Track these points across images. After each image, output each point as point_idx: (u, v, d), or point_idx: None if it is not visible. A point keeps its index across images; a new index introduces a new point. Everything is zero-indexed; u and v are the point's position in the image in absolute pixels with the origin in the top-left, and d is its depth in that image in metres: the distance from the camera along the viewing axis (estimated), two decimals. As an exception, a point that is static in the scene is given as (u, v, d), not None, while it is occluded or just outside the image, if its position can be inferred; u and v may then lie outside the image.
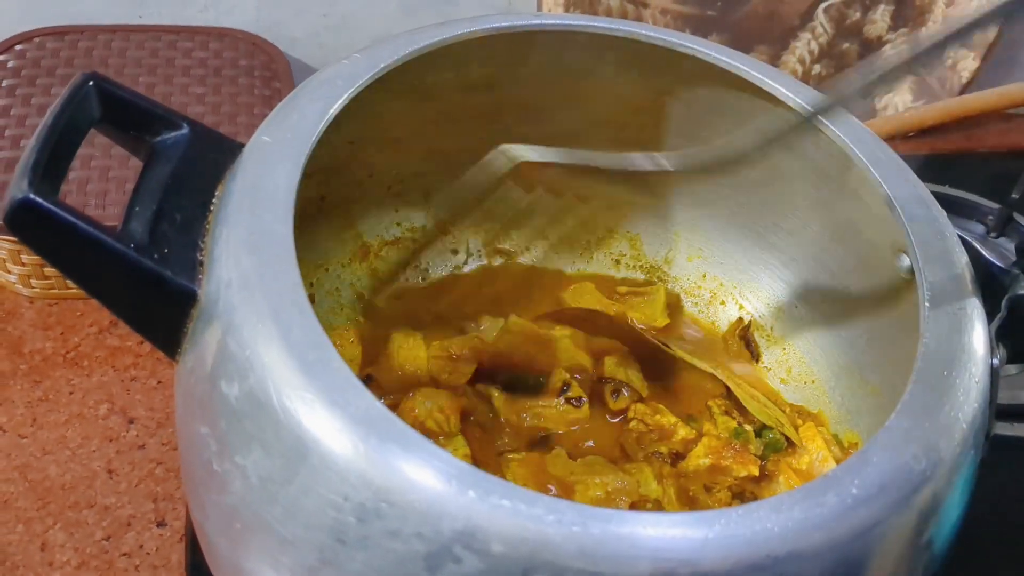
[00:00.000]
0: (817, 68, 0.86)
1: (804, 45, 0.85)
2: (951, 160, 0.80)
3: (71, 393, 0.66)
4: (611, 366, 0.58)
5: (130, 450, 0.64)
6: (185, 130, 0.46)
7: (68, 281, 0.68)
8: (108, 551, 0.59)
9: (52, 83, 0.74)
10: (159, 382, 0.67)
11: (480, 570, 0.34)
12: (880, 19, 0.85)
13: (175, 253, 0.42)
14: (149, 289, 0.41)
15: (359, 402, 0.36)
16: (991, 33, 0.84)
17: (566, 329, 0.58)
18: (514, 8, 0.88)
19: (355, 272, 0.62)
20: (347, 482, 0.36)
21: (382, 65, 0.47)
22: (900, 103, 0.87)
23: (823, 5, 0.84)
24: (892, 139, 0.77)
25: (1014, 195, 0.70)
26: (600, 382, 0.57)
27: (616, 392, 0.57)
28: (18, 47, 0.76)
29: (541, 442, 0.54)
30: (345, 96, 0.46)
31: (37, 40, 0.77)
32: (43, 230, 0.40)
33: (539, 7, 0.85)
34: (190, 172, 0.45)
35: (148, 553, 0.59)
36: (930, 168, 0.74)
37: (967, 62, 0.86)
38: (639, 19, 0.81)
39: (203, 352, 0.40)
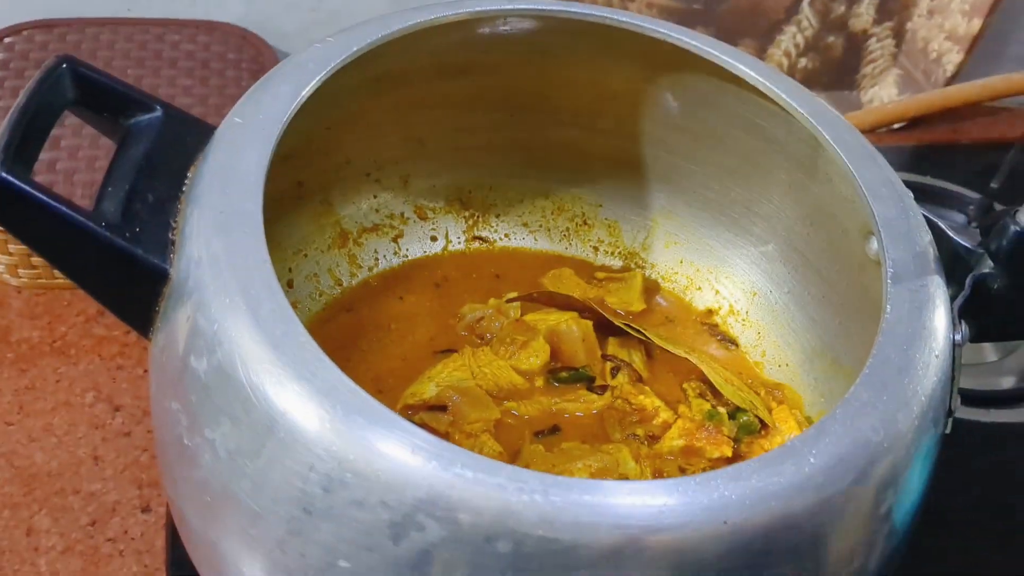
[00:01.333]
0: (803, 62, 0.87)
1: (789, 39, 0.86)
2: (935, 151, 0.81)
3: (58, 381, 0.67)
4: (614, 346, 0.59)
5: (116, 437, 0.65)
6: (159, 112, 0.47)
7: (53, 269, 0.69)
8: (93, 536, 0.60)
9: (25, 66, 0.75)
10: (145, 371, 0.68)
11: (443, 538, 0.35)
12: (865, 12, 0.86)
13: (147, 232, 0.42)
14: (121, 268, 0.42)
15: (325, 375, 0.37)
16: (976, 25, 0.85)
17: (565, 314, 0.59)
18: None
19: (334, 258, 0.62)
20: (313, 453, 0.36)
21: (354, 49, 0.48)
22: (885, 96, 0.88)
23: None
24: (877, 130, 0.78)
25: (993, 184, 0.71)
26: (602, 359, 0.58)
27: (616, 370, 0.57)
28: (6, 40, 0.77)
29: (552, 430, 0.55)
30: (317, 79, 0.46)
31: (26, 33, 0.78)
32: (16, 209, 0.41)
33: None
34: (163, 153, 0.45)
35: (133, 538, 0.60)
36: (914, 159, 0.75)
37: (952, 55, 0.86)
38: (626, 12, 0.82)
39: (174, 329, 0.41)
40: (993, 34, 0.87)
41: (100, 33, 0.79)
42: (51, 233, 0.41)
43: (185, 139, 0.46)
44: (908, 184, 0.75)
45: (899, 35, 0.88)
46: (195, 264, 0.41)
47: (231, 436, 0.38)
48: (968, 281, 0.46)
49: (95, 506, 0.61)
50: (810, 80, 0.84)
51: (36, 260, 0.69)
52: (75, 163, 0.70)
